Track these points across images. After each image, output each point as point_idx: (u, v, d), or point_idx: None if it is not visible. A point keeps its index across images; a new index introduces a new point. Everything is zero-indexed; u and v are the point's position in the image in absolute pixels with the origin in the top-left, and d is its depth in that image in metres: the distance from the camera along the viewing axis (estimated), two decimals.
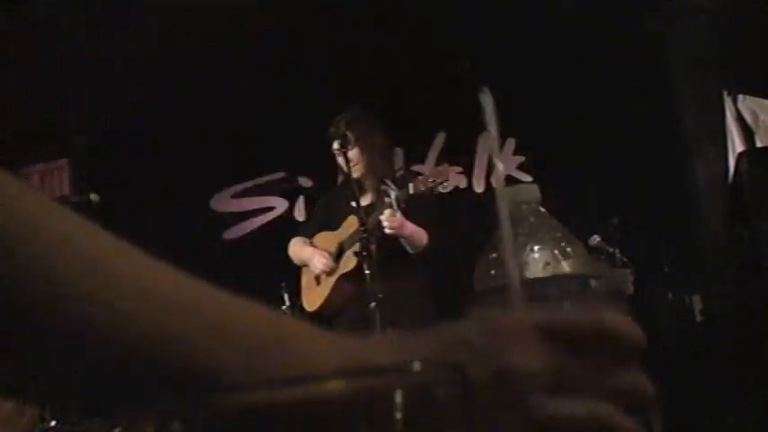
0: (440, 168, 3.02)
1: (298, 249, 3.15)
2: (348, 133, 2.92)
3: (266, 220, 4.92)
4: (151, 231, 5.77)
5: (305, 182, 4.91)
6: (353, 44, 4.39)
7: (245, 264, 4.63)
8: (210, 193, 5.04)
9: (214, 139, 4.92)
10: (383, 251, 2.74)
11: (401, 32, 4.41)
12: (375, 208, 2.85)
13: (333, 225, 3.05)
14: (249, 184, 5.04)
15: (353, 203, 2.68)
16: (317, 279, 3.02)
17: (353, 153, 2.93)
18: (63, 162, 5.17)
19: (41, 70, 4.31)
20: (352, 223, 2.80)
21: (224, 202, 5.06)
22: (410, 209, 2.83)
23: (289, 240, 3.27)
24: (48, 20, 3.87)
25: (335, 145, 2.89)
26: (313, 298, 3.04)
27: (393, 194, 2.74)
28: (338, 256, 2.96)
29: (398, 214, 2.74)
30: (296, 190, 4.93)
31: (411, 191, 2.80)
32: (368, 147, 2.98)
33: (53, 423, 2.49)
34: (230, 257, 4.85)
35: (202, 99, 4.72)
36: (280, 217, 4.96)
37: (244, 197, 5.04)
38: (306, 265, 3.09)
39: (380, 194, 2.88)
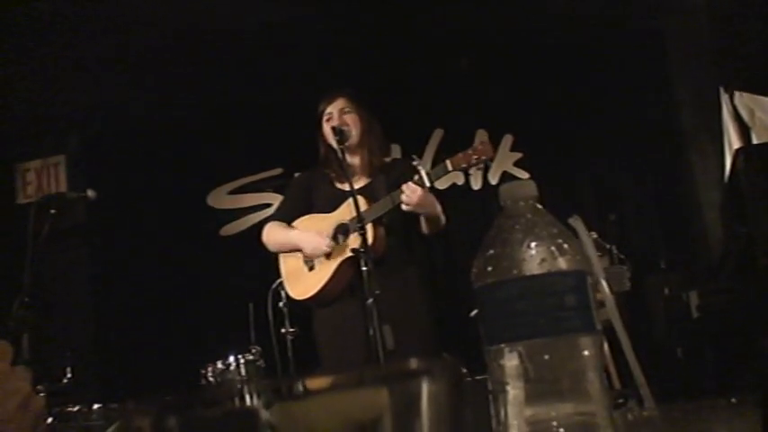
0: (482, 146, 2.60)
1: (278, 233, 2.81)
2: (347, 98, 2.76)
3: (263, 216, 4.91)
4: (147, 227, 5.70)
5: None
6: (352, 41, 4.39)
7: (241, 260, 4.62)
8: (207, 189, 5.04)
9: (211, 135, 4.92)
10: (394, 235, 2.63)
11: (400, 29, 4.40)
12: (372, 189, 2.67)
13: (320, 208, 2.78)
14: (246, 180, 5.03)
15: (347, 186, 2.46)
16: (309, 264, 2.75)
17: (351, 118, 2.75)
18: (59, 158, 5.15)
19: (38, 66, 4.30)
20: (359, 204, 2.49)
21: (221, 199, 5.05)
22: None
23: None
24: (45, 16, 3.85)
25: (330, 108, 2.73)
26: (306, 285, 2.73)
27: (423, 171, 2.52)
28: (335, 237, 2.69)
29: (420, 190, 2.48)
30: None
31: (450, 167, 2.55)
32: (365, 117, 2.78)
33: (50, 420, 2.49)
34: (227, 254, 4.84)
35: (199, 95, 4.71)
36: None
37: (240, 194, 5.04)
38: (290, 251, 2.79)
39: (388, 173, 2.70)
